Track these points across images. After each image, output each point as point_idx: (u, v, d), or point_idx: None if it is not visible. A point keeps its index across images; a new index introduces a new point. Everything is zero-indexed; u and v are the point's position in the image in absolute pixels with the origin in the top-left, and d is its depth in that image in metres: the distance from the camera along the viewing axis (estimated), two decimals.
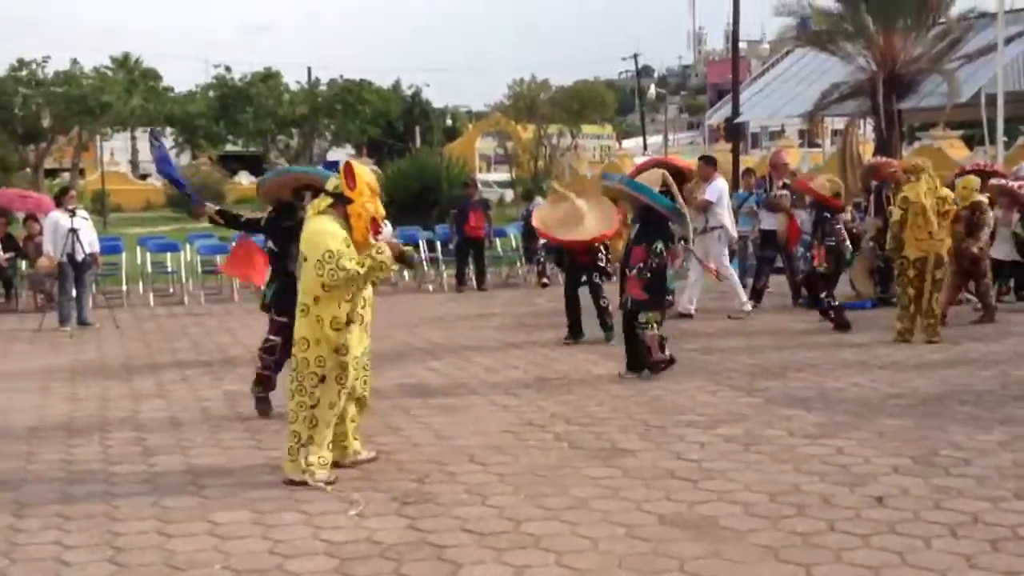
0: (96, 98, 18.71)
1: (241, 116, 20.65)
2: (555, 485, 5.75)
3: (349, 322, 5.83)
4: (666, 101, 69.11)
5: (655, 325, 8.62)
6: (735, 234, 12.85)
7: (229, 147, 24.77)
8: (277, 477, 5.95)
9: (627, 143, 52.83)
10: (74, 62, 19.77)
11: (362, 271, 5.72)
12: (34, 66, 18.97)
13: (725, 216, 12.24)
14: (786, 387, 8.20)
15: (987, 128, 20.42)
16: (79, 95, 18.66)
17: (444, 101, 57.74)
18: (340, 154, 40.32)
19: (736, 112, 28.70)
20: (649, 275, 8.55)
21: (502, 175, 44.68)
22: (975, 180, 11.52)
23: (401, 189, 19.59)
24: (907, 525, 4.98)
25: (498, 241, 17.27)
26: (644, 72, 71.55)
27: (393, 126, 33.53)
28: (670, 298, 9.45)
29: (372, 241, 5.88)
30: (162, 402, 8.19)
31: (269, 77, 21.62)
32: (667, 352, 8.72)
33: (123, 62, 23.93)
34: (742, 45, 31.41)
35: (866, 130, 25.62)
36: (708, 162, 12.78)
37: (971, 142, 28.35)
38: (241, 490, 5.75)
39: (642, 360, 8.72)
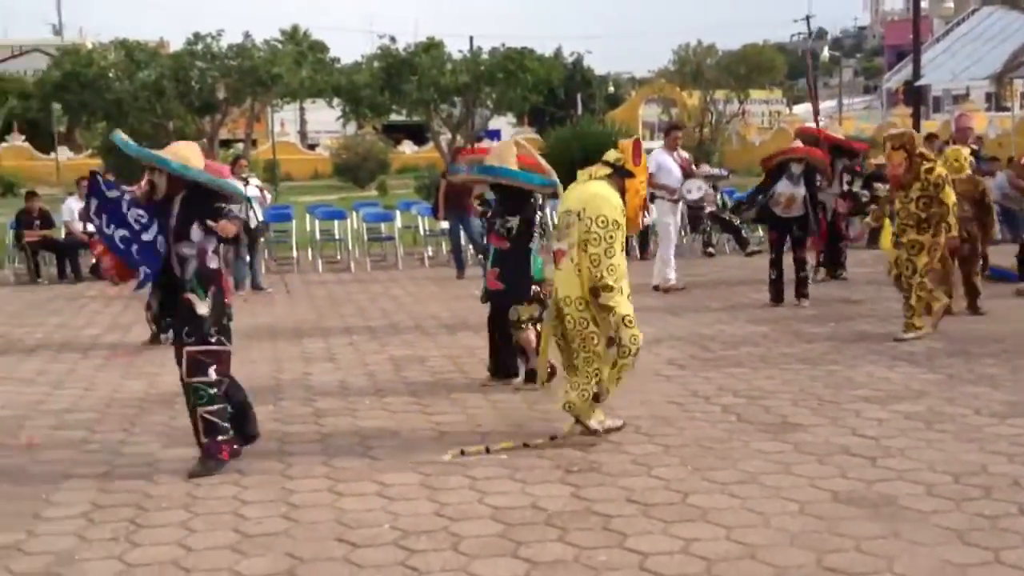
0: (267, 70, 19.30)
1: (405, 86, 20.92)
2: (723, 458, 5.62)
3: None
4: (840, 64, 66.59)
5: (530, 322, 7.20)
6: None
7: (393, 117, 25.17)
8: (443, 442, 6.02)
9: (797, 108, 51.21)
10: (246, 35, 20.42)
11: (611, 298, 5.75)
12: (209, 40, 19.68)
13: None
14: (971, 364, 7.77)
15: None
16: (251, 67, 19.28)
17: (606, 68, 57.38)
18: (501, 122, 40.63)
19: (917, 75, 27.36)
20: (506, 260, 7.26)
21: None
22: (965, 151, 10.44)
23: (562, 157, 19.47)
24: None
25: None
26: (817, 34, 69.13)
27: (555, 94, 33.47)
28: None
29: (642, 220, 6.27)
30: (331, 365, 8.40)
31: (432, 47, 21.84)
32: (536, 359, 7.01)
33: (292, 35, 24.63)
34: (923, 4, 29.89)
35: None
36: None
37: None
38: (407, 453, 5.83)
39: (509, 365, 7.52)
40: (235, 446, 5.63)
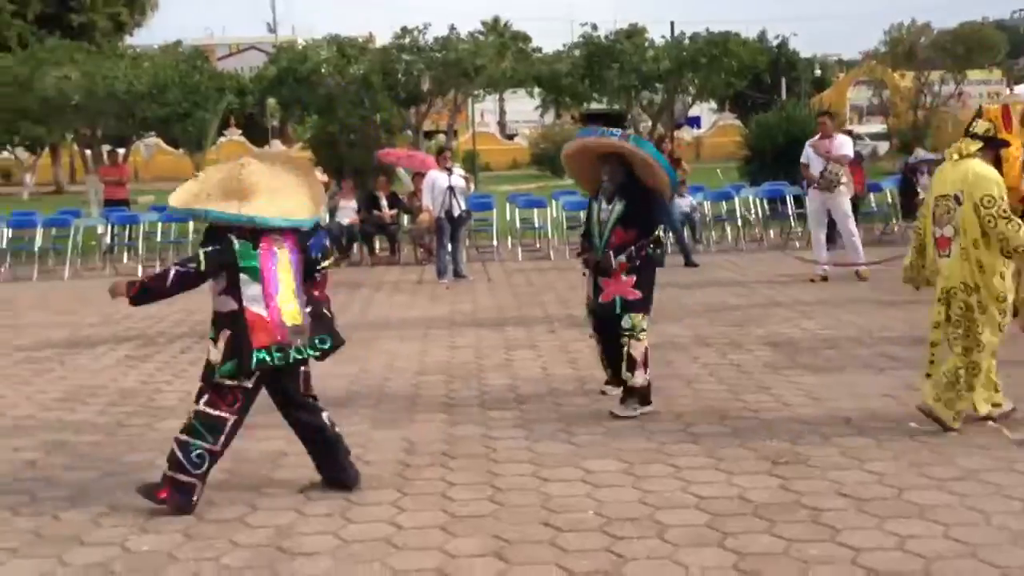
0: (471, 62, 19.67)
1: (606, 73, 20.91)
2: (939, 454, 5.38)
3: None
4: None
5: (641, 332, 6.43)
6: (852, 191, 12.16)
7: (592, 105, 25.24)
8: (645, 430, 6.01)
9: (1019, 88, 48.23)
10: (451, 28, 20.83)
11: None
12: (415, 33, 20.24)
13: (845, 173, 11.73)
14: None
15: None
16: (455, 59, 19.69)
17: (812, 51, 55.52)
18: (701, 109, 40.06)
19: None
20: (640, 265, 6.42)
21: (875, 127, 42.33)
22: None
23: (767, 143, 19.08)
24: None
25: (872, 196, 16.39)
26: None
27: (759, 79, 32.71)
28: None
29: None
30: (532, 353, 8.50)
31: (635, 33, 21.71)
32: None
33: (493, 26, 25.03)
34: None
35: None
36: (830, 117, 12.45)
37: None
38: (610, 440, 5.85)
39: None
40: (190, 497, 4.92)
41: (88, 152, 24.74)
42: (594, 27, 21.72)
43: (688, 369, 7.63)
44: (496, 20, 26.57)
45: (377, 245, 16.67)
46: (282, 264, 5.00)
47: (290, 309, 4.97)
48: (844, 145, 11.96)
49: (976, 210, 5.59)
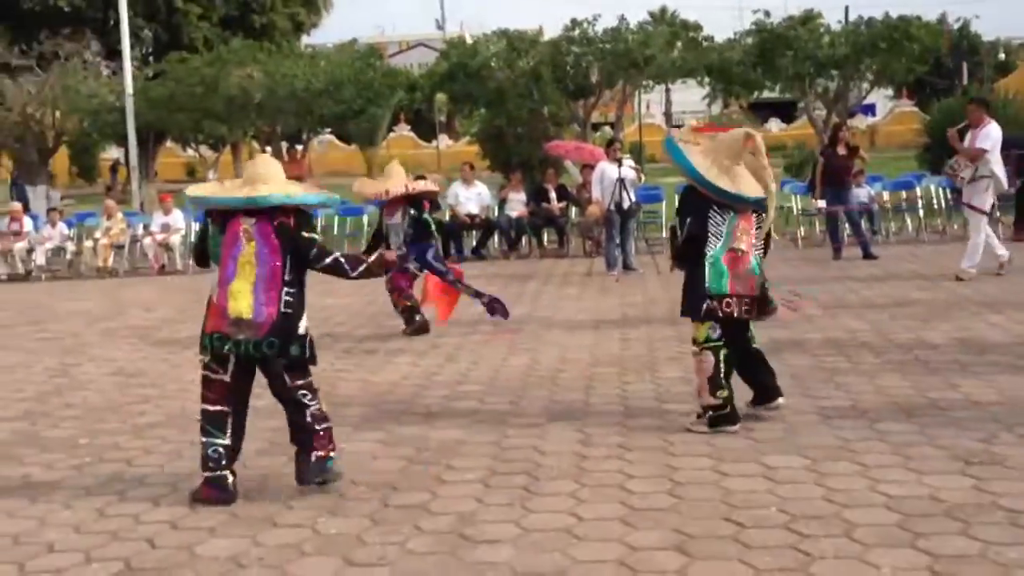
0: (641, 52, 19.54)
1: (780, 61, 20.42)
2: None
3: None
4: None
5: (709, 345, 5.86)
6: (1006, 184, 11.35)
7: (764, 94, 24.66)
8: (829, 426, 5.87)
9: None
10: (621, 19, 20.71)
11: None
12: (585, 25, 20.23)
13: (996, 165, 10.89)
14: None
15: None
16: (625, 50, 19.60)
17: (996, 34, 52.81)
18: (876, 96, 38.62)
19: None
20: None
21: None
22: None
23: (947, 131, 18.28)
24: None
25: None
26: None
27: (940, 63, 31.36)
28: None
29: None
30: None
31: (809, 19, 21.09)
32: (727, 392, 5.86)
33: (661, 16, 24.74)
34: None
35: None
36: (980, 105, 11.37)
37: None
38: (791, 436, 5.73)
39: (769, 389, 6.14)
40: (225, 488, 5.06)
41: (268, 149, 25.79)
42: (767, 13, 21.24)
43: (871, 364, 7.39)
44: (664, 10, 26.14)
45: (546, 238, 16.78)
46: (245, 255, 4.99)
47: (238, 302, 4.93)
48: (986, 137, 10.92)
49: None
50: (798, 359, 7.66)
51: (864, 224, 14.22)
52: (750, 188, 5.88)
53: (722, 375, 5.83)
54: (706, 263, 5.79)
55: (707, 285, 5.78)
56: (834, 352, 7.84)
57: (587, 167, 15.28)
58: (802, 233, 15.68)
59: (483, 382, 7.50)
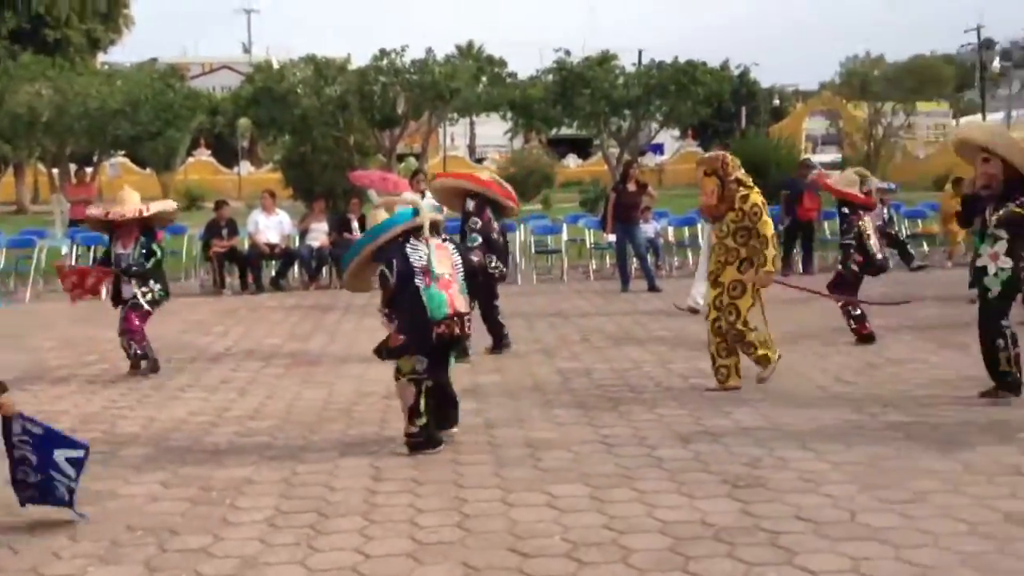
0: (447, 85, 19.87)
1: (578, 99, 21.21)
2: (891, 476, 5.58)
3: None
4: (1010, 75, 63.64)
5: (413, 376, 6.27)
6: None
7: (562, 130, 25.51)
8: (611, 454, 6.17)
9: (964, 120, 49.27)
10: (428, 51, 21.01)
11: None
12: (393, 55, 20.38)
13: None
14: None
15: None
16: (432, 82, 19.88)
17: (772, 81, 56.44)
18: (664, 136, 40.46)
19: None
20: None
21: (830, 156, 43.07)
22: None
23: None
24: None
25: (826, 224, 16.74)
26: (986, 44, 66.31)
27: (722, 107, 33.19)
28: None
29: None
30: (498, 377, 8.64)
31: (605, 60, 22.02)
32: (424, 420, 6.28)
33: (468, 50, 25.26)
34: None
35: None
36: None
37: None
38: (577, 465, 5.99)
39: None
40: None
41: (55, 171, 24.64)
42: (567, 53, 22.02)
43: (652, 393, 7.79)
44: (471, 44, 26.75)
45: None
46: None
47: None
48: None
49: None
50: (586, 389, 8.01)
51: (650, 258, 14.91)
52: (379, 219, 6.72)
53: (421, 406, 6.22)
54: (422, 296, 6.13)
55: (429, 315, 6.12)
56: (619, 383, 8.23)
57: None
58: (594, 266, 16.27)
59: (276, 417, 7.44)
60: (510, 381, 8.45)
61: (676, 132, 39.72)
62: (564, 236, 16.88)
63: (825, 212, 16.57)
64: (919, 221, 18.38)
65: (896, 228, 16.25)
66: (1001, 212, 6.92)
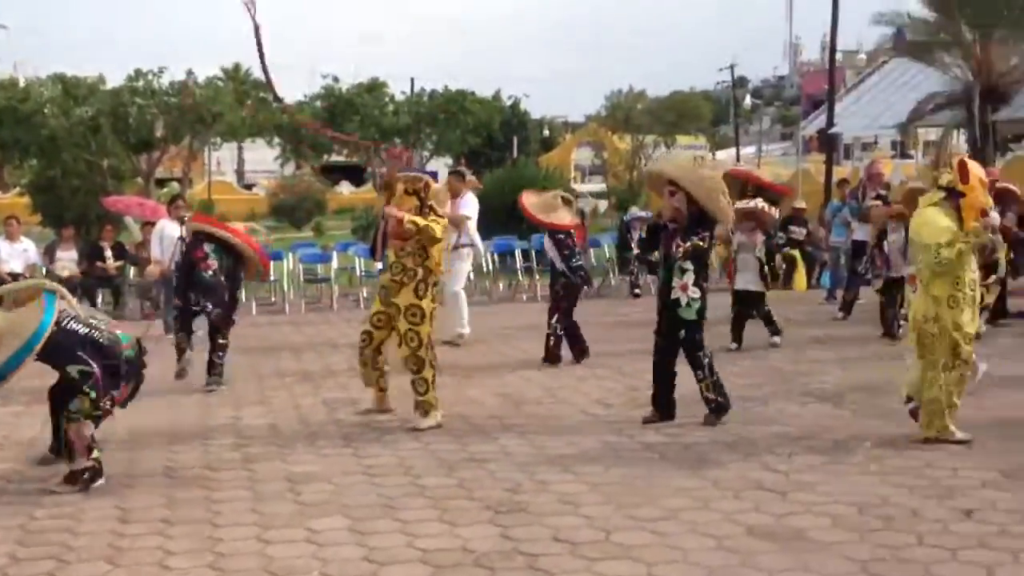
0: (208, 108, 19.32)
1: (347, 126, 21.10)
2: (645, 495, 5.81)
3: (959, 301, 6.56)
4: (760, 112, 68.32)
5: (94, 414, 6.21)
6: (482, 252, 12.19)
7: (332, 157, 25.28)
8: (373, 483, 6.14)
9: (720, 154, 52.42)
10: (189, 73, 20.37)
11: (953, 255, 6.43)
12: (150, 76, 19.60)
13: (475, 234, 11.84)
14: (874, 399, 8.10)
15: None
16: (191, 105, 19.29)
17: (542, 112, 58.12)
18: (439, 164, 40.85)
19: (831, 123, 28.41)
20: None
21: (596, 185, 44.74)
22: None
23: (498, 199, 19.71)
24: (995, 539, 4.97)
25: (592, 252, 17.34)
26: (740, 83, 70.92)
27: (493, 136, 33.86)
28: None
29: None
30: (262, 409, 8.46)
31: (375, 87, 22.02)
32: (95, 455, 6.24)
33: (234, 73, 24.63)
34: (838, 55, 30.98)
35: (960, 141, 25.22)
36: (458, 177, 12.26)
37: None
38: (338, 497, 5.93)
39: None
40: None
41: None
42: (335, 79, 21.94)
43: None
44: (237, 67, 26.26)
45: (100, 298, 15.96)
46: None
47: None
48: (466, 205, 11.67)
49: (926, 252, 6.50)
50: (352, 419, 7.95)
51: None
52: None
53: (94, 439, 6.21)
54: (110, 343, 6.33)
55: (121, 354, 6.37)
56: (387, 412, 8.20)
57: (148, 224, 14.83)
58: (364, 294, 16.17)
59: (11, 460, 6.99)
60: (274, 413, 8.28)
61: (449, 160, 40.20)
62: (334, 265, 16.72)
63: (591, 240, 17.17)
64: None
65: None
66: (687, 245, 7.29)
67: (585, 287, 10.86)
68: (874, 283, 12.03)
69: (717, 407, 7.49)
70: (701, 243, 7.33)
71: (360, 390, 9.01)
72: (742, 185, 13.26)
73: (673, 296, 7.39)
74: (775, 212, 11.51)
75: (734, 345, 10.65)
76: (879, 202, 12.63)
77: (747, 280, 10.72)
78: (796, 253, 16.10)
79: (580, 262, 10.36)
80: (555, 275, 10.32)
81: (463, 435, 7.36)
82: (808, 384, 8.81)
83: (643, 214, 16.93)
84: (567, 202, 10.67)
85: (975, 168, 6.67)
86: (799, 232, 16.07)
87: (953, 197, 6.58)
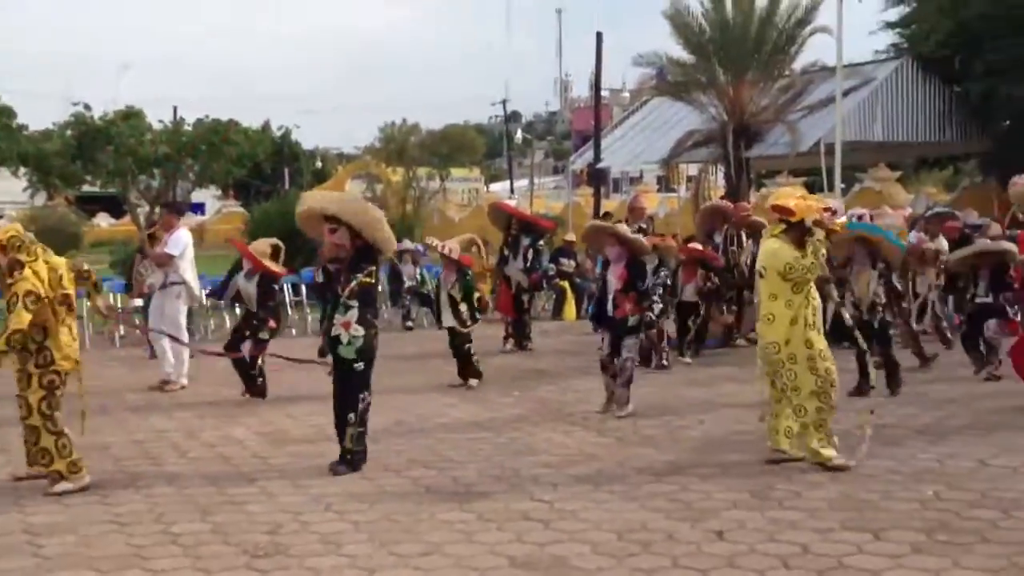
0: None
1: (100, 156, 20.05)
2: (409, 531, 5.76)
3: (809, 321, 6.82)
4: (532, 146, 70.37)
5: None
6: (198, 292, 11.67)
7: (87, 188, 23.99)
8: (123, 532, 5.81)
9: (494, 186, 53.68)
10: None
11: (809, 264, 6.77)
12: None
13: (188, 271, 10.99)
14: (637, 427, 8.38)
15: (826, 176, 21.44)
16: None
17: (315, 143, 57.57)
18: (205, 195, 39.63)
19: (597, 158, 29.54)
20: None
21: None
22: None
23: (266, 231, 19.28)
24: (744, 558, 5.20)
25: None
26: (512, 117, 72.71)
27: (261, 167, 33.14)
28: None
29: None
30: (2, 459, 7.84)
31: (131, 115, 21.02)
32: None
33: None
34: (604, 93, 32.35)
35: (718, 176, 26.75)
36: (170, 210, 11.64)
37: (812, 189, 29.53)
38: (83, 548, 5.59)
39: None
40: None
41: None
42: (87, 107, 20.85)
43: (174, 465, 7.48)
44: None
45: None
46: None
47: None
48: (176, 242, 10.93)
49: (783, 277, 6.75)
50: (101, 464, 7.44)
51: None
52: None
53: None
54: None
55: None
56: (138, 455, 7.81)
57: None
58: (121, 332, 15.40)
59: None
60: (13, 462, 7.70)
61: (217, 191, 39.07)
62: (86, 302, 15.81)
63: None
64: None
65: (429, 287, 17.01)
66: (353, 284, 6.99)
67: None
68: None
69: (352, 460, 7.09)
70: (367, 279, 7.06)
71: (112, 433, 8.61)
72: (507, 218, 13.71)
73: (334, 333, 7.06)
74: (483, 251, 11.83)
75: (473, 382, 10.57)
76: (640, 235, 13.13)
77: (447, 318, 10.65)
78: (566, 284, 16.64)
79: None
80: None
81: (221, 477, 7.07)
82: (574, 413, 9.00)
83: (413, 246, 16.97)
84: (276, 249, 10.57)
85: (785, 198, 7.00)
86: (568, 264, 16.56)
87: (793, 229, 6.89)
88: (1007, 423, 8.15)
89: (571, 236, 17.53)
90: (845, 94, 22.36)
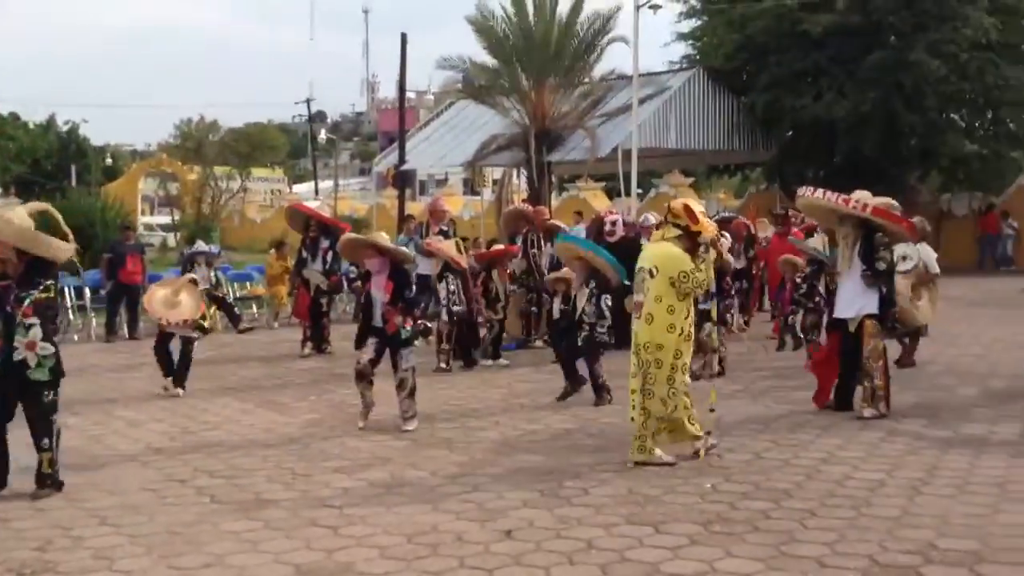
0: None
1: None
2: (191, 543, 5.56)
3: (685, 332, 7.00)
4: (337, 146, 69.63)
5: None
6: None
7: None
8: None
9: (298, 187, 52.79)
10: None
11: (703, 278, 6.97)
12: None
13: None
14: (433, 428, 8.37)
15: (623, 181, 22.10)
16: None
17: (105, 139, 55.01)
18: None
19: (402, 159, 29.47)
20: None
21: (166, 218, 42.99)
22: None
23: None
24: (530, 556, 5.25)
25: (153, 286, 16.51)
26: (317, 117, 71.66)
27: (42, 164, 31.41)
28: None
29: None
30: None
31: None
32: None
33: None
34: (410, 95, 32.30)
35: (521, 180, 27.16)
36: None
37: (612, 193, 30.46)
38: None
39: None
40: None
41: None
42: None
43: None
44: None
45: None
46: None
47: None
48: None
49: (673, 283, 6.85)
50: None
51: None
52: None
53: None
54: None
55: None
56: None
57: None
58: None
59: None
60: None
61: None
62: None
63: (153, 275, 16.34)
64: (247, 284, 18.91)
65: (224, 291, 16.52)
66: (30, 300, 6.44)
67: None
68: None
69: (53, 483, 6.59)
70: (45, 293, 6.52)
71: None
72: (305, 220, 13.53)
73: (18, 357, 6.43)
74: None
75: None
76: (440, 237, 13.07)
77: None
78: None
79: None
80: None
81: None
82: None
83: (207, 248, 16.41)
84: (194, 283, 10.35)
85: (697, 208, 7.17)
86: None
87: (687, 237, 6.99)
88: (785, 416, 8.58)
89: None
90: (641, 102, 23.19)
